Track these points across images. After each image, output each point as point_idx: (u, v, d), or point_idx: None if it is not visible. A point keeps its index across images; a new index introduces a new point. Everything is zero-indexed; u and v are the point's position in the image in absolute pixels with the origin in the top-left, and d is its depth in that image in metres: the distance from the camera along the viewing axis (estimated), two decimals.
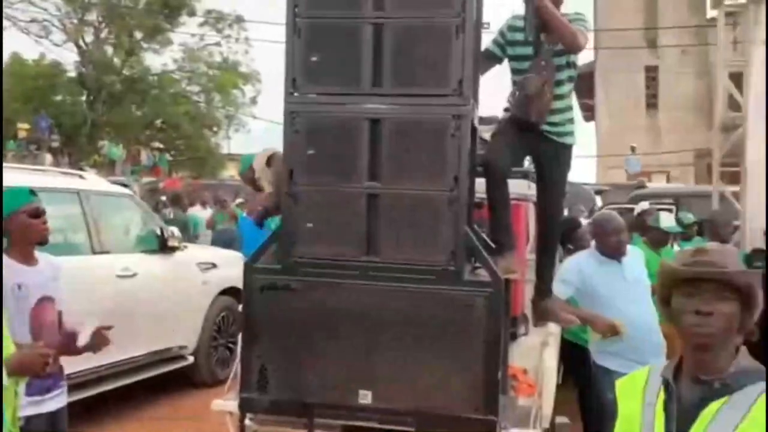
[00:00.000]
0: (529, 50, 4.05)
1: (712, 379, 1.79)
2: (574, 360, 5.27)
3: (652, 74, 28.93)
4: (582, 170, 36.16)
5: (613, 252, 4.49)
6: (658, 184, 22.33)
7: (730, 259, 1.83)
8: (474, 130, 3.75)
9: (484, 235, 3.99)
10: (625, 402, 1.94)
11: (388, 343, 3.44)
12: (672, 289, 1.85)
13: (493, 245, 3.93)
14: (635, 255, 4.59)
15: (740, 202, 7.76)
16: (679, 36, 26.57)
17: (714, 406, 1.75)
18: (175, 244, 6.84)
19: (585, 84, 29.55)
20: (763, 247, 6.64)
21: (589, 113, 31.83)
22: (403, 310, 3.43)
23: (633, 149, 24.80)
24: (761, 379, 1.78)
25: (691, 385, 1.82)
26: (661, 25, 27.18)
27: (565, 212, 9.07)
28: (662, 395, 1.84)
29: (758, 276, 1.83)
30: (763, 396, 1.73)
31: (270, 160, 4.92)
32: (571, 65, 4.17)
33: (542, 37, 3.99)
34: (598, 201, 14.17)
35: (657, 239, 6.17)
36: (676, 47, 26.96)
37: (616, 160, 26.48)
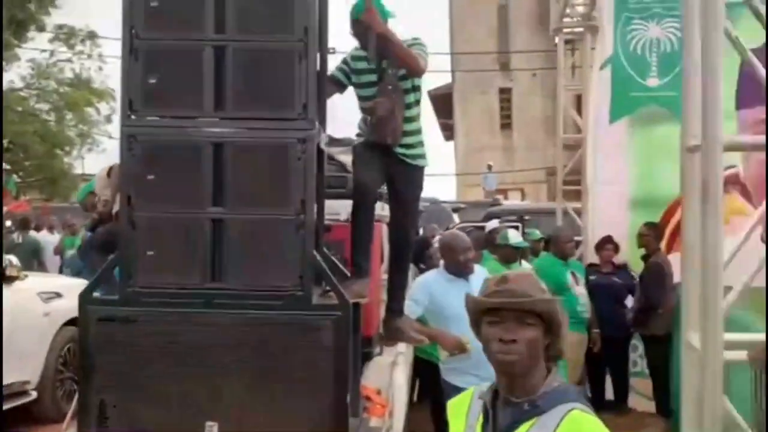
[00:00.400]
0: (374, 77, 4.13)
1: (522, 401, 1.87)
2: (428, 377, 5.37)
3: (505, 96, 30.19)
4: (442, 188, 37.14)
5: (460, 270, 4.62)
6: (513, 201, 23.27)
7: (531, 286, 1.91)
8: (321, 153, 3.77)
9: (334, 258, 4.01)
10: (453, 422, 1.99)
11: (235, 371, 3.37)
12: (479, 318, 1.93)
13: (343, 268, 3.97)
14: (482, 273, 4.73)
15: (581, 219, 8.20)
16: (529, 60, 27.89)
17: (523, 428, 1.82)
18: (14, 273, 6.44)
19: (444, 105, 30.48)
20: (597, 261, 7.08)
21: (448, 133, 32.79)
22: (250, 337, 3.37)
23: (489, 167, 25.73)
24: (571, 399, 1.87)
25: (504, 408, 1.89)
26: (512, 50, 28.46)
27: (421, 231, 9.26)
28: (481, 418, 1.90)
29: (556, 302, 1.92)
30: (570, 415, 1.81)
31: (110, 172, 4.76)
32: (416, 89, 4.28)
33: (385, 63, 4.08)
34: (456, 218, 14.57)
35: (507, 256, 6.41)
36: (527, 71, 28.29)
37: (474, 178, 27.38)
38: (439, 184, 41.52)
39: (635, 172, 7.39)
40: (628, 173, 7.39)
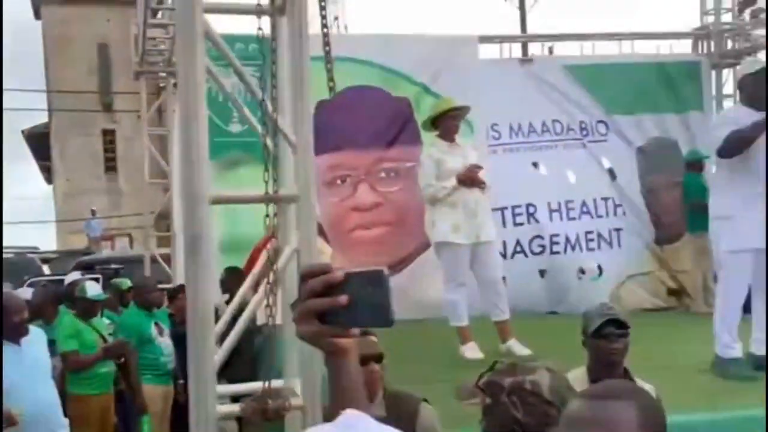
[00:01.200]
0: None
1: None
2: None
3: (109, 137, 29.01)
4: (42, 236, 34.30)
5: (11, 334, 4.13)
6: (119, 247, 22.31)
7: None
8: None
9: None
10: None
11: None
12: None
13: None
14: (36, 334, 4.31)
15: (171, 266, 8.03)
16: (133, 101, 27.13)
17: None
18: None
19: (42, 145, 28.27)
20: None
21: (48, 175, 30.49)
22: None
23: (93, 213, 24.35)
24: None
25: None
26: (115, 90, 27.53)
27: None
28: None
29: None
30: None
31: None
32: None
33: None
34: (47, 270, 13.42)
35: (86, 309, 5.98)
36: (132, 112, 27.50)
37: (77, 224, 25.70)
38: (39, 231, 38.38)
39: (222, 216, 7.45)
40: (215, 218, 7.41)
